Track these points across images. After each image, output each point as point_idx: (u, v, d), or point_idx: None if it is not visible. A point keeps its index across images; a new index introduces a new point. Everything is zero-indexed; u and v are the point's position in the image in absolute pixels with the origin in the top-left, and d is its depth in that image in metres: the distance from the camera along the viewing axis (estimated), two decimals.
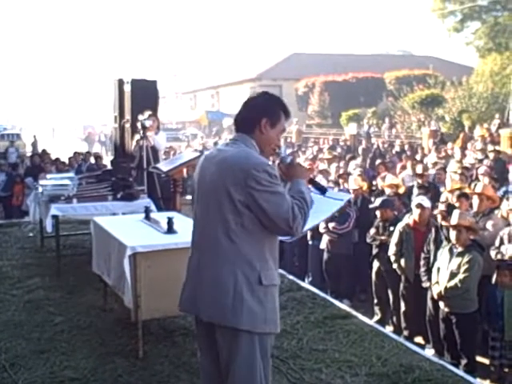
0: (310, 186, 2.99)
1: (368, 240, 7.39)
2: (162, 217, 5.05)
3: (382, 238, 7.12)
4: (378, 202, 7.45)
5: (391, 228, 6.99)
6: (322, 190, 3.10)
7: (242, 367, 2.70)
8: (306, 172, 3.00)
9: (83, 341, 4.77)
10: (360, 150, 16.63)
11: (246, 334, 2.69)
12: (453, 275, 5.64)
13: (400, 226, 6.74)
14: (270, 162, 2.82)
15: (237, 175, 2.67)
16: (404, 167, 11.45)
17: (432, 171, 10.65)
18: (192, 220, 2.99)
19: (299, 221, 2.69)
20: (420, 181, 9.15)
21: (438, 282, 5.81)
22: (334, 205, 3.30)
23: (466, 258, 5.61)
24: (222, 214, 2.70)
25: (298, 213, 2.68)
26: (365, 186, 8.83)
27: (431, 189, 8.97)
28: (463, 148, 14.94)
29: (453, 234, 5.74)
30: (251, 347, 2.70)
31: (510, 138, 15.58)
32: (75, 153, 15.22)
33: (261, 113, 2.85)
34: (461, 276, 5.58)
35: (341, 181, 9.53)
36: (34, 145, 30.61)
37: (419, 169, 9.77)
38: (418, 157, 13.75)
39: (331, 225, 7.88)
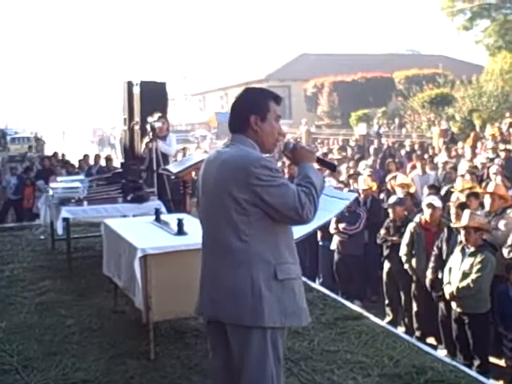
0: (318, 166, 2.96)
1: (378, 241, 7.36)
2: (172, 218, 5.03)
3: (394, 238, 7.08)
4: (393, 199, 7.42)
5: (402, 229, 6.96)
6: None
7: (254, 364, 2.67)
8: (312, 153, 2.92)
9: (94, 343, 4.77)
10: (371, 150, 16.54)
11: (257, 330, 2.66)
12: (465, 275, 5.60)
13: (411, 226, 6.70)
14: (276, 153, 2.82)
15: (238, 175, 2.65)
16: (414, 167, 11.39)
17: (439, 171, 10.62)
18: (200, 224, 2.96)
19: (308, 207, 2.66)
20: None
21: (449, 283, 5.77)
22: (340, 204, 3.31)
23: (478, 258, 5.57)
24: (229, 216, 2.68)
25: (305, 200, 2.65)
26: (374, 186, 8.80)
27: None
28: (474, 147, 14.81)
29: (462, 235, 5.71)
30: (262, 344, 2.67)
31: None
32: (85, 155, 15.29)
33: (247, 111, 2.80)
34: (473, 276, 5.54)
35: (351, 181, 9.51)
36: (38, 148, 29.78)
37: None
38: (427, 156, 13.65)
39: (341, 225, 7.86)
